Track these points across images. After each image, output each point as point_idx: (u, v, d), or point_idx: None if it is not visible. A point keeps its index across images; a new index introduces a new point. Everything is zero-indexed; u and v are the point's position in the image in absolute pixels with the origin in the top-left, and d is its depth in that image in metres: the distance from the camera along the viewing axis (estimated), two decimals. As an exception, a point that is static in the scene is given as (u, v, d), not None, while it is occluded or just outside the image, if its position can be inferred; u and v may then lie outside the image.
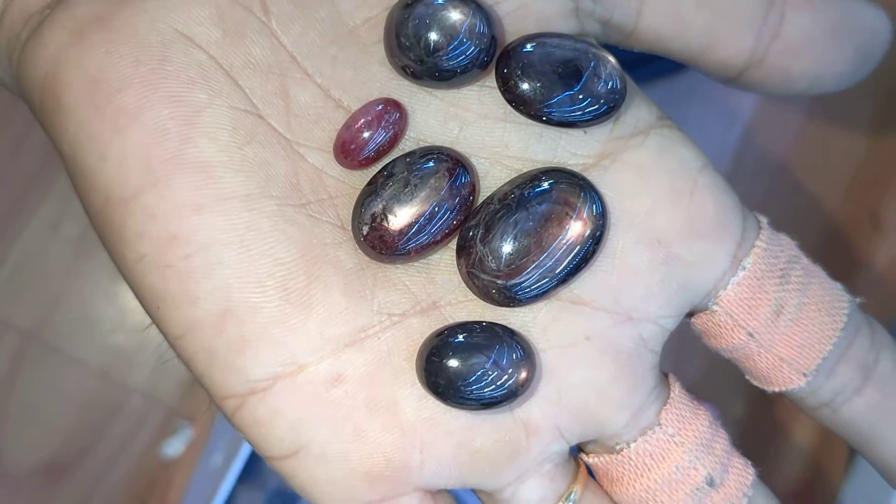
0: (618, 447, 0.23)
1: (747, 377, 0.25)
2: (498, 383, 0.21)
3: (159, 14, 0.21)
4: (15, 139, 0.51)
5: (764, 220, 0.24)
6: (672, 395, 0.23)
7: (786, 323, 0.23)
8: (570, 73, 0.21)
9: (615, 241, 0.22)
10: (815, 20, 0.23)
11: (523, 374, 0.21)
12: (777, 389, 0.24)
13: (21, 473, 0.50)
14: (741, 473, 0.24)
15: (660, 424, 0.23)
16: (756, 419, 0.49)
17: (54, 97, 0.21)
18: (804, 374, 0.23)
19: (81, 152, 0.21)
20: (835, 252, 0.50)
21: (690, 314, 0.24)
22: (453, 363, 0.20)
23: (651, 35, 0.23)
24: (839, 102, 0.52)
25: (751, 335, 0.23)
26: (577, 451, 0.24)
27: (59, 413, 0.51)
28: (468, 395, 0.21)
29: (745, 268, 0.23)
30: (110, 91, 0.20)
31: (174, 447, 0.51)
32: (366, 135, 0.21)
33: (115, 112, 0.20)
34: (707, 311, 0.24)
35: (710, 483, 0.23)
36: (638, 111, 0.23)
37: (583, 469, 0.24)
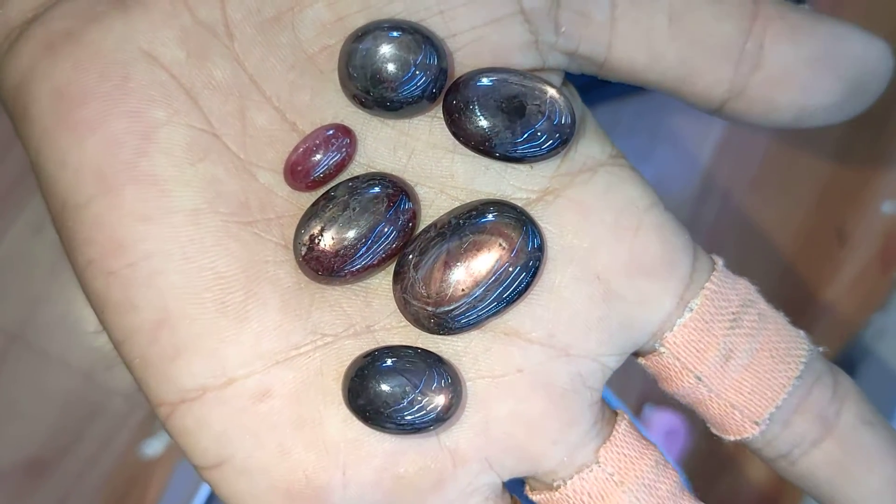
0: (555, 484, 0.23)
1: (707, 425, 0.24)
2: (423, 409, 0.21)
3: (127, 33, 0.21)
4: (0, 142, 0.52)
5: (720, 261, 0.24)
6: (616, 432, 0.23)
7: (736, 369, 0.23)
8: (516, 109, 0.21)
9: (553, 275, 0.22)
10: (797, 50, 0.22)
11: (448, 402, 0.21)
12: (732, 438, 0.24)
13: (2, 470, 0.50)
14: None
15: (598, 463, 0.23)
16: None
17: (24, 105, 0.22)
18: (756, 423, 0.23)
19: (44, 158, 0.22)
20: (803, 266, 0.50)
21: (639, 355, 0.24)
22: (378, 386, 0.21)
23: (624, 66, 0.23)
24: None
25: (699, 379, 0.23)
26: (524, 487, 0.24)
27: (41, 412, 0.51)
28: (392, 418, 0.21)
29: (691, 309, 0.23)
30: (74, 103, 0.21)
31: (154, 447, 0.51)
32: (315, 158, 0.21)
33: (77, 123, 0.21)
34: (655, 353, 0.23)
35: None
36: (588, 148, 0.23)
37: None
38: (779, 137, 0.52)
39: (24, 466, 0.51)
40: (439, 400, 0.21)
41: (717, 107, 0.23)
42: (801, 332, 0.24)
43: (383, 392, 0.21)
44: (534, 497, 0.23)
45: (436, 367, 0.21)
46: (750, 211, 0.52)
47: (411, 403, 0.21)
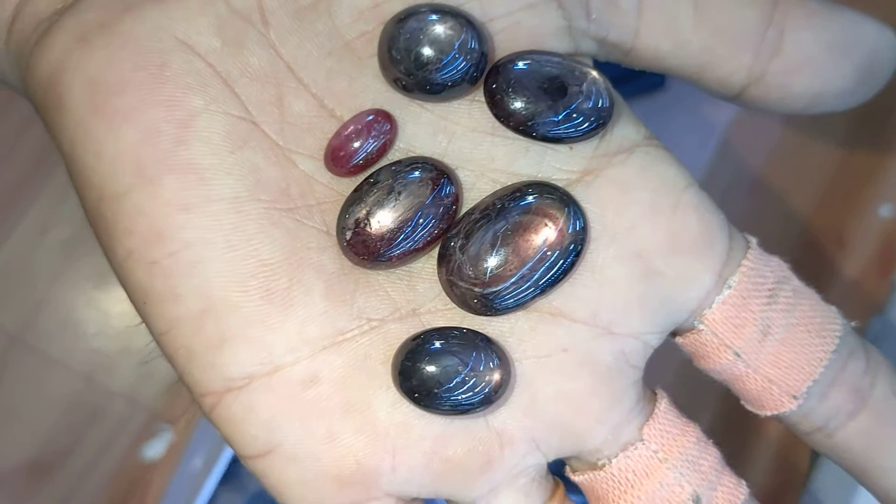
0: (600, 463, 0.23)
1: (742, 402, 0.24)
2: (473, 389, 0.21)
3: (161, 22, 0.21)
4: (5, 144, 0.52)
5: (753, 240, 0.24)
6: (657, 410, 0.23)
7: (773, 344, 0.23)
8: (557, 90, 0.21)
9: (596, 255, 0.22)
10: (815, 37, 0.23)
11: (498, 381, 0.21)
12: (769, 413, 0.24)
13: (3, 473, 0.50)
14: (731, 492, 0.23)
15: (642, 440, 0.23)
16: (724, 430, 0.50)
17: (56, 97, 0.22)
18: (794, 397, 0.23)
19: (79, 150, 0.21)
20: (803, 266, 0.51)
21: (677, 334, 0.24)
22: (428, 367, 0.21)
23: (650, 53, 0.23)
24: (814, 120, 0.54)
25: (737, 355, 0.23)
26: (564, 469, 0.24)
27: (42, 414, 0.51)
28: (442, 399, 0.21)
29: (730, 286, 0.23)
30: (109, 92, 0.21)
31: (155, 450, 0.51)
32: (356, 143, 0.21)
33: (113, 112, 0.21)
34: (693, 331, 0.23)
35: (697, 501, 0.22)
36: (624, 129, 0.23)
37: (561, 488, 0.23)
38: (782, 137, 0.52)
39: (24, 469, 0.51)
40: (490, 379, 0.21)
41: (736, 93, 0.24)
42: (834, 308, 0.24)
43: (434, 373, 0.21)
44: (576, 478, 0.23)
45: (484, 348, 0.21)
46: (750, 214, 0.52)
47: (462, 383, 0.21)
